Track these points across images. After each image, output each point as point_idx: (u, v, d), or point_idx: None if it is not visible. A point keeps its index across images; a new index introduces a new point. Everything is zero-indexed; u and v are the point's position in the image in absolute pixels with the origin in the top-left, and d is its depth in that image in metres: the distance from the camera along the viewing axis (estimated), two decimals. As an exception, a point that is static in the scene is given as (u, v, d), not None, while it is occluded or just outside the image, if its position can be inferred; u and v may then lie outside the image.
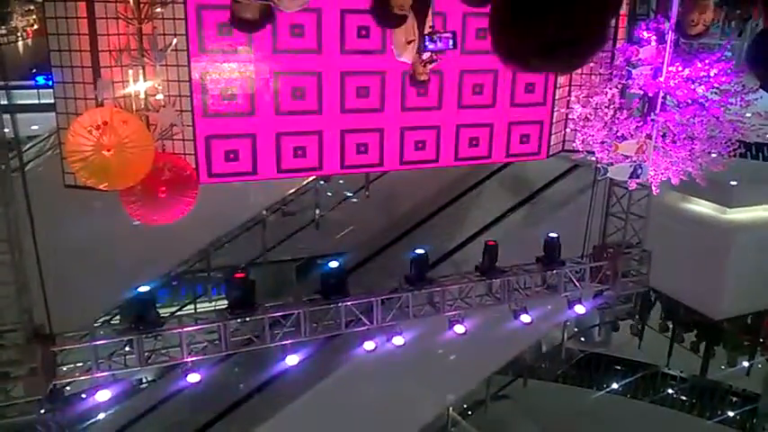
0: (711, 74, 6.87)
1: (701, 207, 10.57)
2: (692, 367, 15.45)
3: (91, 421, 9.95)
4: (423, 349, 8.70)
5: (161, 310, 7.37)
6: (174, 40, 5.97)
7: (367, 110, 7.02)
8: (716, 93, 6.98)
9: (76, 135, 5.56)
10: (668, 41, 6.71)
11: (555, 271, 8.27)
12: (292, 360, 7.33)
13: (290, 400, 9.24)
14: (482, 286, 8.11)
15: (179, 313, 10.24)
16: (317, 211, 12.24)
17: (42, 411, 6.48)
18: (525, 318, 8.20)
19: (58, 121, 6.10)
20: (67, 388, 7.67)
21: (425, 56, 4.73)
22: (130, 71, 5.91)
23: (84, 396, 8.14)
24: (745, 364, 15.21)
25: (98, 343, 6.57)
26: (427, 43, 4.33)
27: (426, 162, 7.54)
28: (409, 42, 4.49)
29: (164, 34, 5.94)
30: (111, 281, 8.95)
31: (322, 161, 7.04)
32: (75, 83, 5.87)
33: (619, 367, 16.14)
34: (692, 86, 6.95)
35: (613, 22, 6.95)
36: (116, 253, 9.02)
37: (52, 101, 6.10)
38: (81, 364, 6.73)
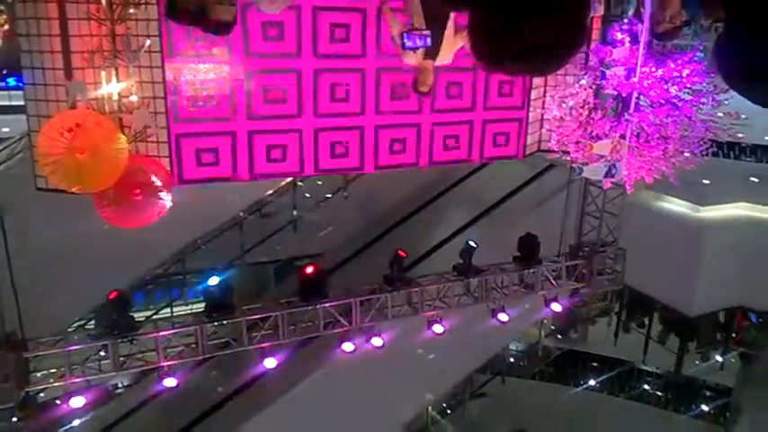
0: (684, 74, 6.98)
1: (675, 205, 10.73)
2: (666, 363, 15.67)
3: (65, 428, 9.80)
4: (402, 349, 8.71)
5: (136, 314, 7.28)
6: (148, 42, 5.89)
7: (344, 113, 7.01)
8: (688, 93, 7.09)
9: (48, 137, 5.46)
10: (641, 42, 6.80)
11: (532, 270, 8.34)
12: (270, 363, 7.29)
13: (268, 403, 9.20)
14: (460, 286, 8.14)
15: (155, 317, 10.12)
16: (295, 213, 12.19)
17: (14, 419, 6.37)
18: (503, 316, 8.26)
19: (29, 124, 6.00)
20: (41, 395, 7.53)
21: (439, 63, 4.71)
22: (103, 73, 5.83)
23: (58, 402, 8.03)
24: (719, 358, 15.48)
25: (72, 348, 6.47)
26: (405, 41, 4.31)
27: (404, 164, 7.55)
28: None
29: (137, 35, 5.86)
30: (85, 285, 8.84)
31: (299, 163, 7.01)
32: (47, 85, 5.77)
33: (595, 364, 16.31)
34: (665, 87, 7.05)
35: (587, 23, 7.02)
36: (90, 257, 8.90)
37: (23, 102, 6.00)
38: (54, 371, 6.62)
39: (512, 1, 1.25)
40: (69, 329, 9.15)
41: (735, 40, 1.08)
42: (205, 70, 6.27)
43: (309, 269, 7.42)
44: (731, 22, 1.10)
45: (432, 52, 4.52)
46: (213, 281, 7.17)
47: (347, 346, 7.76)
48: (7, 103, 11.52)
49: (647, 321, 15.71)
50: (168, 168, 6.27)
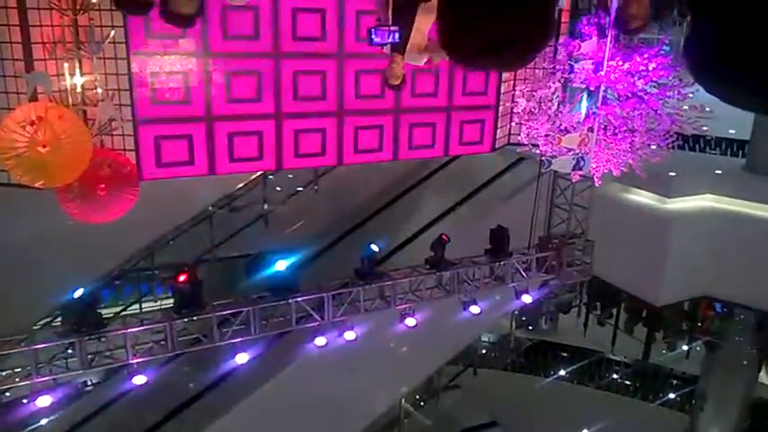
0: (650, 68, 7.08)
1: (642, 197, 10.87)
2: (634, 352, 15.96)
3: (32, 427, 9.61)
4: (375, 343, 8.72)
5: (104, 311, 7.17)
6: (112, 32, 5.77)
7: (313, 107, 6.96)
8: (654, 86, 7.20)
9: (9, 131, 5.33)
10: (608, 36, 6.88)
11: (502, 262, 8.40)
12: (242, 358, 7.23)
13: (241, 398, 9.14)
14: (432, 279, 8.17)
15: (123, 313, 9.96)
16: (266, 206, 12.09)
17: (-22, 420, 6.23)
18: (474, 309, 8.31)
19: (-12, 117, 5.83)
20: (6, 394, 7.38)
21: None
22: (66, 64, 5.70)
23: (24, 402, 7.86)
24: (685, 347, 15.82)
25: (38, 347, 6.34)
26: (373, 36, 4.27)
27: (374, 154, 7.53)
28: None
29: (101, 26, 5.74)
30: (50, 281, 8.64)
31: (269, 157, 6.95)
32: (6, 76, 5.62)
33: (565, 354, 16.56)
34: (632, 80, 7.15)
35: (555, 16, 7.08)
36: (56, 253, 8.72)
37: (-18, 95, 5.83)
38: (20, 370, 6.48)
39: None
40: (36, 327, 8.97)
41: (702, 38, 1.09)
42: (171, 62, 6.16)
43: (279, 264, 7.37)
44: (696, 17, 1.11)
45: (401, 46, 4.46)
46: (182, 275, 7.06)
47: (320, 341, 7.74)
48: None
49: (614, 312, 15.99)
50: (134, 162, 6.16)
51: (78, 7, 5.58)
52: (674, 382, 15.81)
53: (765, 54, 0.97)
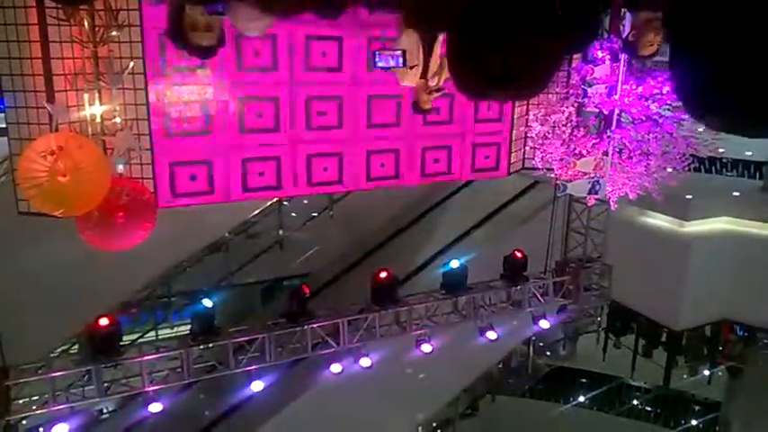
0: (664, 91, 7.07)
1: (659, 221, 10.81)
2: (655, 378, 15.68)
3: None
4: (390, 369, 8.66)
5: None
6: (131, 63, 5.88)
7: (329, 133, 7.02)
8: (669, 109, 7.19)
9: (30, 161, 5.41)
10: (621, 60, 6.89)
11: (519, 287, 8.34)
12: (257, 386, 7.20)
13: (256, 426, 9.08)
14: (448, 304, 8.13)
15: (139, 341, 9.99)
16: (281, 232, 12.15)
17: (-5, 448, 6.24)
18: (491, 334, 8.23)
19: (10, 147, 5.94)
20: (23, 422, 7.39)
21: (432, 83, 4.69)
22: (86, 95, 5.80)
23: (41, 430, 7.88)
24: (706, 373, 15.51)
25: (55, 374, 6.36)
26: (377, 60, 4.34)
27: (389, 180, 7.56)
28: (412, 67, 4.44)
29: (120, 57, 5.85)
30: (68, 309, 8.71)
31: (285, 183, 6.99)
32: (29, 108, 5.72)
33: (584, 380, 16.30)
34: (646, 103, 7.14)
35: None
36: (73, 280, 8.79)
37: (5, 125, 5.95)
38: (37, 397, 6.51)
39: (480, 27, 1.24)
40: (53, 355, 9.01)
41: (691, 68, 1.06)
42: (189, 92, 6.26)
43: (303, 289, 7.34)
44: (681, 47, 1.08)
45: (423, 72, 4.54)
46: (198, 303, 7.09)
47: (335, 368, 7.70)
48: (-11, 126, 11.46)
49: (633, 336, 15.74)
50: (152, 190, 6.23)
51: (98, 40, 5.70)
52: (697, 408, 15.48)
53: (764, 83, 0.94)
